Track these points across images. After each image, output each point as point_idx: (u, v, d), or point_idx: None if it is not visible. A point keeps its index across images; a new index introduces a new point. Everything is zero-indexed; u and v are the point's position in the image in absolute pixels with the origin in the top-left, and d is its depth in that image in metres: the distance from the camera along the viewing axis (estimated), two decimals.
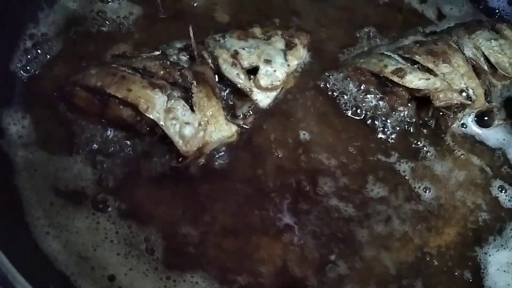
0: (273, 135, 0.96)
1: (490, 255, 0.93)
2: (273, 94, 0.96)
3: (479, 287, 0.90)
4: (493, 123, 1.05)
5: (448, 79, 0.98)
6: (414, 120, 1.02)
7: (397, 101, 1.00)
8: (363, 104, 1.01)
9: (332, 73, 1.03)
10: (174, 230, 0.85)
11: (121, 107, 0.85)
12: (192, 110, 0.86)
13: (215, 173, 0.90)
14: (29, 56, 0.94)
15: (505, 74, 1.04)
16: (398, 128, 1.01)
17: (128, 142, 0.89)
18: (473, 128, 1.05)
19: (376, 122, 1.00)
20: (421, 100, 1.00)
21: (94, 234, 0.82)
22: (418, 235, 0.92)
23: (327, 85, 1.02)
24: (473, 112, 1.04)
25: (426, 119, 1.02)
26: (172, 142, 0.84)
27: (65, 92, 0.90)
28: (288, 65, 0.98)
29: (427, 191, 0.96)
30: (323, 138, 0.97)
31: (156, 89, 0.84)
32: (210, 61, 0.92)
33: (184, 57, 0.93)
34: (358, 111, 1.01)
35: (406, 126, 1.01)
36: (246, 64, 0.93)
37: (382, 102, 1.01)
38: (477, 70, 1.02)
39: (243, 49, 0.95)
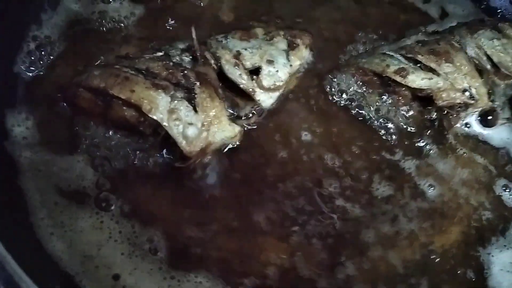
0: (276, 135, 0.96)
1: (493, 256, 0.92)
2: (275, 94, 0.96)
3: (482, 287, 0.89)
4: (496, 123, 1.05)
5: (451, 78, 0.98)
6: (417, 120, 1.01)
7: (400, 101, 1.00)
8: (366, 104, 1.01)
9: (335, 73, 1.03)
10: (178, 230, 0.85)
11: (124, 108, 0.85)
12: (195, 110, 0.85)
13: (219, 174, 0.90)
14: (32, 58, 0.94)
15: (508, 73, 1.03)
16: (401, 128, 1.00)
17: (131, 143, 0.89)
18: (477, 127, 1.04)
19: (379, 122, 1.00)
20: (424, 99, 1.00)
21: (98, 234, 0.82)
22: (423, 233, 0.92)
23: (330, 85, 1.02)
24: (476, 111, 1.04)
25: (429, 118, 1.02)
26: (176, 143, 0.84)
27: (68, 93, 0.90)
28: (291, 66, 0.98)
29: (432, 188, 0.96)
30: (326, 138, 0.97)
31: (159, 90, 0.84)
32: (212, 61, 0.92)
33: (186, 58, 0.93)
34: (361, 111, 1.01)
35: (409, 126, 1.01)
36: (248, 64, 0.94)
37: (385, 102, 1.01)
38: (480, 70, 1.02)
39: (246, 49, 0.95)
